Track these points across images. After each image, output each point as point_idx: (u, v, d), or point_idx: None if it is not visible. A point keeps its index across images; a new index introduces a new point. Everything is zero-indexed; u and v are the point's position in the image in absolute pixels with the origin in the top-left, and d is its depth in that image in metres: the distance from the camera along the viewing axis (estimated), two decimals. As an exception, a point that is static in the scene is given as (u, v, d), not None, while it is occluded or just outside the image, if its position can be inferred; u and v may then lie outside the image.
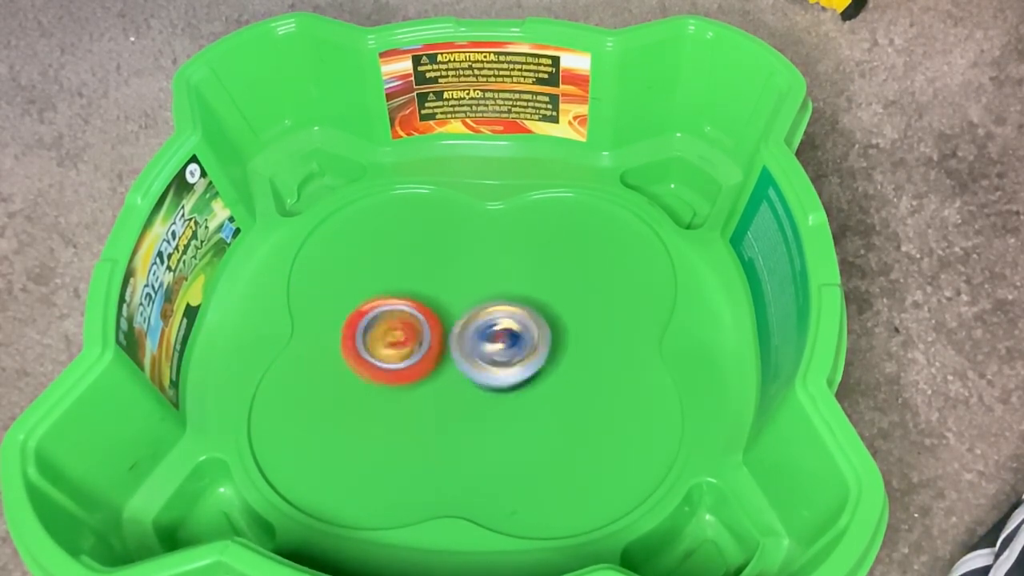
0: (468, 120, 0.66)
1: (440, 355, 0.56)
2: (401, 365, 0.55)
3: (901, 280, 0.62)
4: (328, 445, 0.54)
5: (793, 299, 0.52)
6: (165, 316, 0.55)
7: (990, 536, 0.50)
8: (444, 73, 0.64)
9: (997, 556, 0.48)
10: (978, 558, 0.49)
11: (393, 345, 0.55)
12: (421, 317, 0.57)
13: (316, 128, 0.67)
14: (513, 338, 0.55)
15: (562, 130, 0.66)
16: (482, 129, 0.67)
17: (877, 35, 0.75)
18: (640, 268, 0.61)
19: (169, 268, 0.56)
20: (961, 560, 0.50)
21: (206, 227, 0.60)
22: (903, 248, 0.64)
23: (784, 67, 0.59)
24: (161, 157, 0.56)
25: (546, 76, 0.63)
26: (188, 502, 0.53)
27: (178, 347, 0.56)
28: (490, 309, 0.57)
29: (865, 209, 0.66)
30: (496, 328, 0.56)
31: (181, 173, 0.57)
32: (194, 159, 0.58)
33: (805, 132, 0.58)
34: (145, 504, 0.51)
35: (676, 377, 0.55)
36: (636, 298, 0.59)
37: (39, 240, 0.67)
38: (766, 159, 0.55)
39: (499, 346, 0.55)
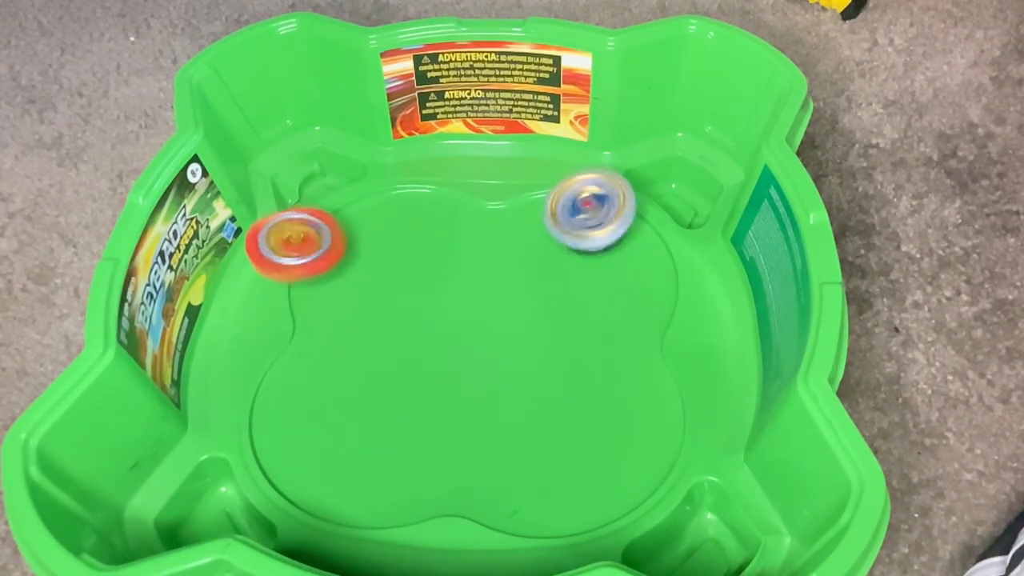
0: (469, 120, 0.66)
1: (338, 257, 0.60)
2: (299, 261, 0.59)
3: (901, 280, 0.62)
4: (329, 444, 0.55)
5: (794, 298, 0.52)
6: (166, 315, 0.55)
7: (1002, 542, 0.50)
8: (445, 73, 0.64)
9: (1009, 570, 0.47)
10: (990, 568, 0.49)
11: (290, 246, 0.59)
12: (322, 224, 0.61)
13: (317, 128, 0.67)
14: (600, 199, 0.61)
15: (563, 130, 0.66)
16: (483, 129, 0.67)
17: (877, 35, 0.76)
18: (641, 268, 0.61)
19: (171, 267, 0.56)
20: (973, 568, 0.50)
21: (207, 227, 0.60)
22: (903, 248, 0.64)
23: (785, 67, 0.59)
24: (163, 157, 0.56)
25: (547, 76, 0.63)
26: (190, 501, 0.53)
27: (179, 346, 0.56)
28: (571, 182, 0.62)
29: (865, 209, 0.66)
30: (582, 196, 0.61)
31: (183, 173, 0.57)
32: (195, 159, 0.58)
33: (805, 132, 0.58)
34: (147, 503, 0.51)
35: (677, 376, 0.56)
36: (637, 297, 0.60)
37: (39, 240, 0.67)
38: (767, 158, 0.55)
39: (585, 215, 0.61)
